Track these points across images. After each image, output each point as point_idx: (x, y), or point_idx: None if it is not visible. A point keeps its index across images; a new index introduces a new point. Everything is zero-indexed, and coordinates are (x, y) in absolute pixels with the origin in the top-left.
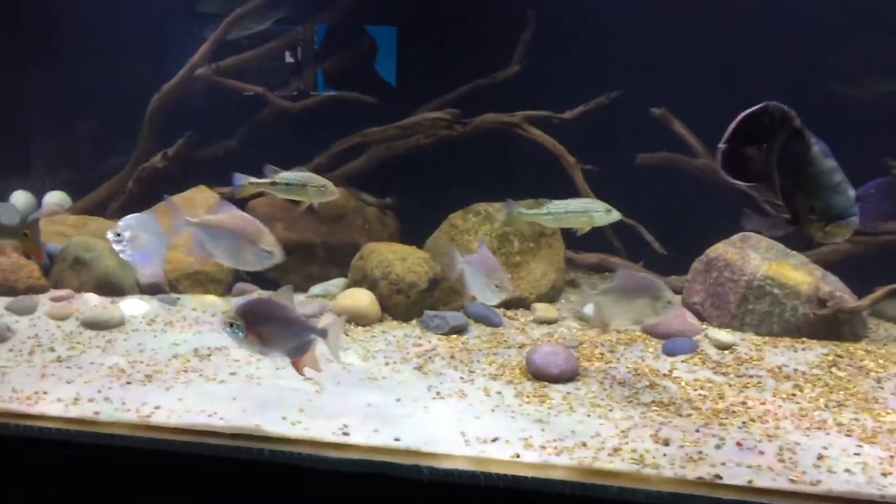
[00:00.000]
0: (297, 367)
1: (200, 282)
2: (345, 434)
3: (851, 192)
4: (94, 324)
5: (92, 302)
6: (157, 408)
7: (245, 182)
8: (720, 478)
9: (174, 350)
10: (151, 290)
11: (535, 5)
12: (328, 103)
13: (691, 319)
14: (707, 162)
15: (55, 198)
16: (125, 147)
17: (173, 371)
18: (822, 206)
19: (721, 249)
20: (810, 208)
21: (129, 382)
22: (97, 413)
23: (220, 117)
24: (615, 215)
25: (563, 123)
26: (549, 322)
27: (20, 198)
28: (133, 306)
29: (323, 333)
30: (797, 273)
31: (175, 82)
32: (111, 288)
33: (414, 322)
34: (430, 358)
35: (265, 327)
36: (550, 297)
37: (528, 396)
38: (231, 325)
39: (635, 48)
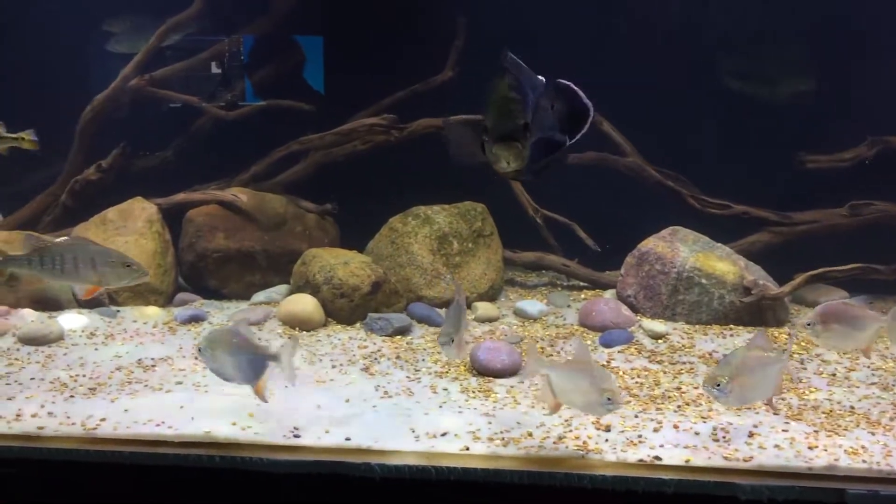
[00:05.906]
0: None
1: (141, 293)
2: (296, 436)
3: (520, 120)
4: (33, 339)
5: (29, 317)
6: (102, 420)
7: None
8: (659, 459)
9: (117, 362)
10: (90, 303)
11: (466, 13)
12: (261, 112)
13: (626, 311)
14: (636, 160)
15: None
16: (56, 160)
17: (117, 383)
18: (491, 127)
19: (652, 243)
20: (484, 129)
21: (72, 396)
22: (41, 428)
23: (152, 128)
24: None
25: None
26: (491, 320)
27: None
28: (72, 320)
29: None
30: (722, 263)
31: (107, 94)
32: (48, 303)
33: (358, 325)
34: (375, 359)
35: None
36: (490, 295)
37: (473, 392)
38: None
39: (554, 48)
